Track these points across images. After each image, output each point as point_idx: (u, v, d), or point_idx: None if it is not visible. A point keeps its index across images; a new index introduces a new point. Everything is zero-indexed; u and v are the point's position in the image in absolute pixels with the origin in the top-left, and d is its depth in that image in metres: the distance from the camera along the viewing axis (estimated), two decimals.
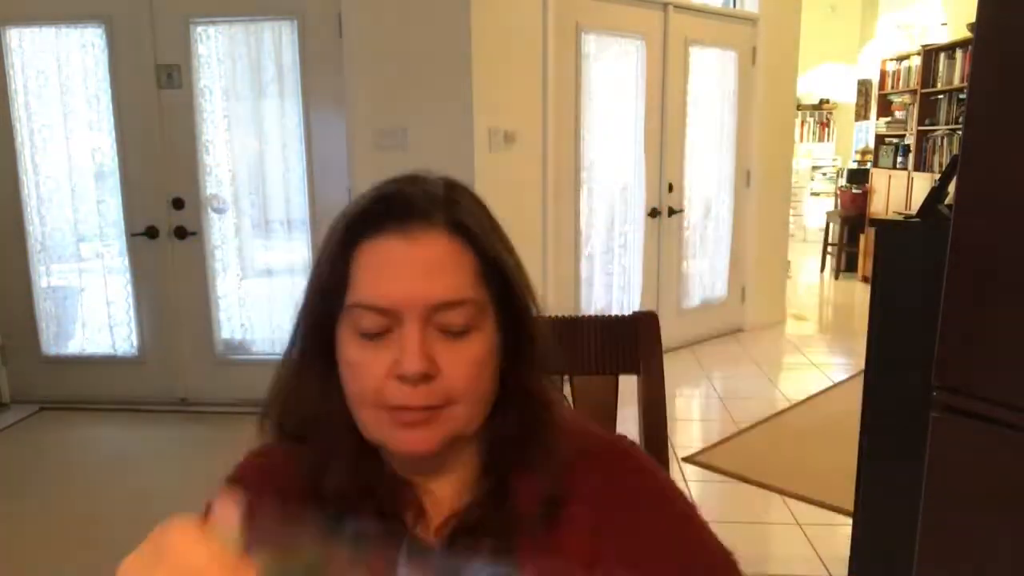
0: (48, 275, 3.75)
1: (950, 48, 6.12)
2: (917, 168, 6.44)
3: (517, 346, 0.67)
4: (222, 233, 3.67)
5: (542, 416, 0.69)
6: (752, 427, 3.48)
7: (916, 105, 6.54)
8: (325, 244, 0.67)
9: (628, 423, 1.00)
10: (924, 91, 6.44)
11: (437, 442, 0.64)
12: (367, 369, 0.62)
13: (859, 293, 6.61)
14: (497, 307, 0.66)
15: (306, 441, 0.68)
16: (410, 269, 0.62)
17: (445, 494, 0.70)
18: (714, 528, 0.71)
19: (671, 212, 4.63)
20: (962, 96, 5.81)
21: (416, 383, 0.61)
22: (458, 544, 0.66)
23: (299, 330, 0.68)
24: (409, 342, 0.61)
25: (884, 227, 2.04)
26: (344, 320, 0.64)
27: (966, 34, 5.56)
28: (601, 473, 0.70)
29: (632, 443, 0.75)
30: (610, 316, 1.06)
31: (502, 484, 0.68)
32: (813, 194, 9.29)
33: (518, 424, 0.68)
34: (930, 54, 6.36)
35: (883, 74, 7.22)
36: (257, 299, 3.74)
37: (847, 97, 8.87)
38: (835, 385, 4.08)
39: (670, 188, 4.61)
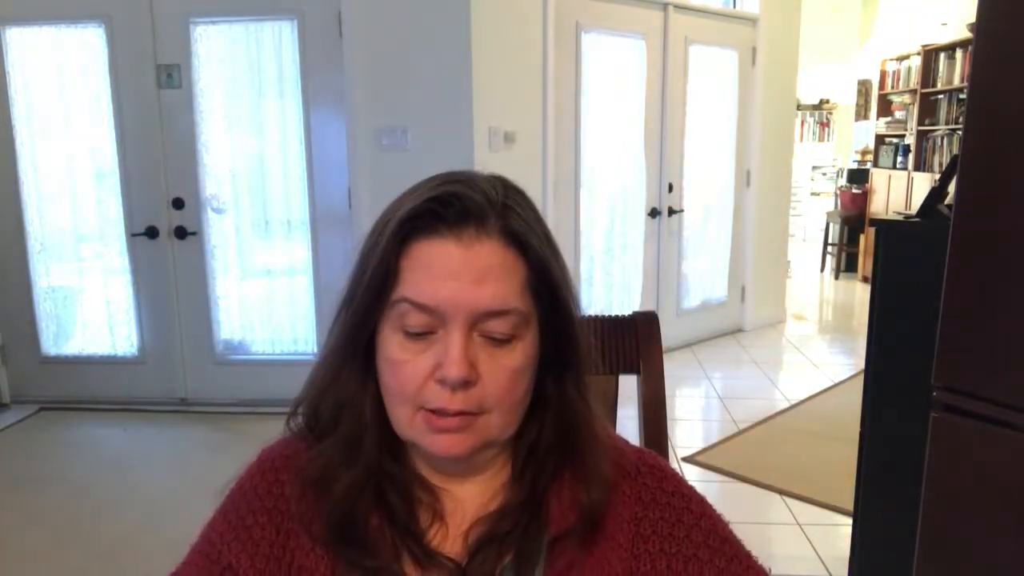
0: (48, 275, 3.75)
1: (950, 48, 6.12)
2: (917, 168, 6.44)
3: (558, 354, 0.67)
4: (222, 233, 3.67)
5: (581, 425, 0.68)
6: (752, 427, 3.48)
7: (916, 105, 6.54)
8: (373, 238, 0.65)
9: (628, 423, 0.99)
10: (924, 91, 6.44)
11: (470, 447, 0.63)
12: (409, 368, 0.62)
13: (859, 293, 6.61)
14: (541, 316, 0.65)
15: (332, 437, 0.67)
16: (461, 273, 0.61)
17: (470, 497, 0.69)
18: None
19: (671, 212, 4.63)
20: (962, 96, 5.82)
21: (456, 388, 0.61)
22: (483, 553, 0.65)
23: (340, 321, 0.67)
24: (453, 347, 0.61)
25: (884, 227, 2.03)
26: (388, 315, 0.63)
27: (966, 34, 5.56)
28: (641, 493, 0.69)
29: (663, 460, 0.75)
30: (610, 316, 1.06)
31: (535, 493, 0.67)
32: (813, 194, 9.29)
33: (555, 432, 0.67)
34: (930, 54, 6.36)
35: (883, 74, 7.22)
36: (257, 299, 3.74)
37: (847, 97, 8.87)
38: (835, 385, 4.08)
39: (670, 188, 4.60)
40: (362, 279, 0.64)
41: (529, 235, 0.63)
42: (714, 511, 0.72)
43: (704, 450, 3.22)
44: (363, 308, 0.64)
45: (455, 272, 0.61)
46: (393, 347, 0.63)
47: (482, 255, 0.61)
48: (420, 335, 0.62)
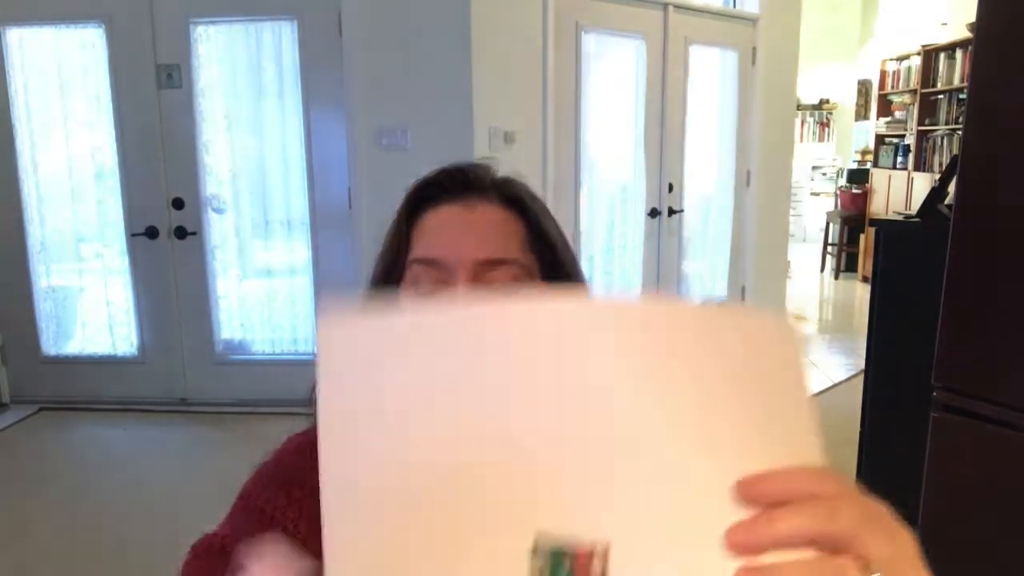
0: (48, 275, 3.75)
1: (950, 48, 6.12)
2: (917, 168, 6.44)
3: None
4: (222, 233, 3.67)
5: None
6: None
7: (916, 105, 6.54)
8: (393, 219, 0.72)
9: None
10: (924, 91, 6.44)
11: None
12: None
13: (859, 293, 6.61)
14: (543, 274, 0.70)
15: None
16: (463, 229, 0.67)
17: None
18: None
19: (671, 212, 4.63)
20: (962, 96, 5.82)
21: None
22: None
23: (365, 298, 0.72)
24: (458, 292, 0.64)
25: (884, 227, 2.03)
26: (405, 281, 0.68)
27: (966, 34, 5.55)
28: None
29: None
30: None
31: None
32: (813, 194, 9.29)
33: None
34: (930, 54, 6.36)
35: (883, 74, 7.22)
36: (257, 299, 3.74)
37: (847, 97, 8.87)
38: (835, 385, 4.08)
39: (670, 188, 4.60)
40: (381, 254, 0.71)
41: (527, 199, 0.71)
42: None
43: None
44: (382, 278, 0.70)
45: (458, 228, 0.67)
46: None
47: (483, 214, 0.68)
48: (430, 291, 0.66)
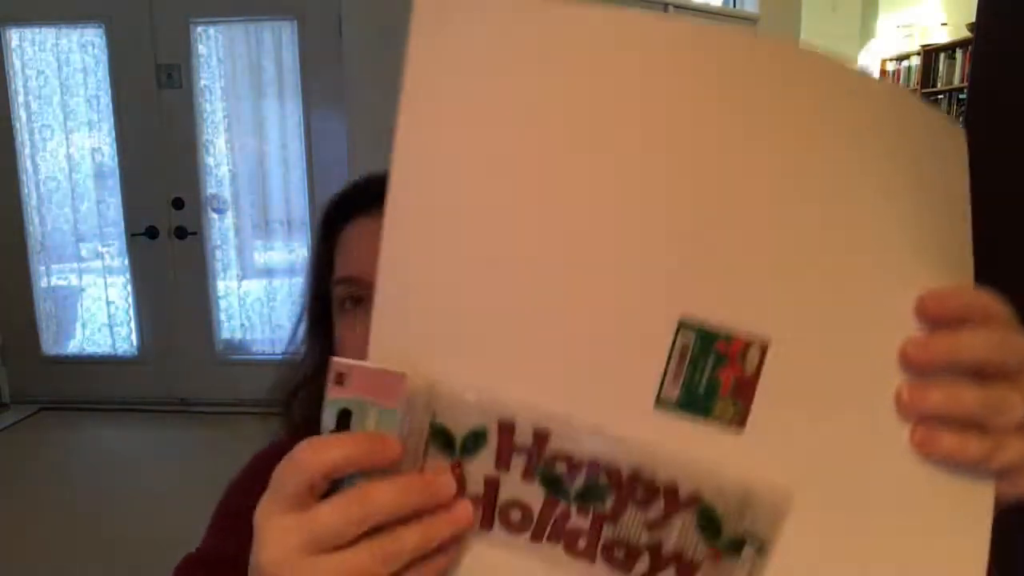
0: (48, 275, 3.75)
1: (950, 48, 6.12)
2: None
3: None
4: (222, 233, 3.67)
5: None
6: None
7: None
8: (312, 243, 0.71)
9: None
10: (924, 91, 6.43)
11: None
12: (347, 342, 0.63)
13: None
14: None
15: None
16: (374, 240, 0.63)
17: None
18: None
19: None
20: (962, 96, 5.82)
21: None
22: None
23: (299, 323, 0.71)
24: None
25: None
26: (334, 305, 0.66)
27: (966, 34, 5.56)
28: None
29: None
30: None
31: None
32: None
33: None
34: (930, 54, 6.36)
35: (883, 74, 7.21)
36: (257, 299, 3.74)
37: None
38: None
39: None
40: (307, 280, 0.70)
41: None
42: None
43: None
44: (313, 306, 0.69)
45: (370, 240, 0.63)
46: (337, 328, 0.65)
47: None
48: (353, 310, 0.63)
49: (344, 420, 0.36)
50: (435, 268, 0.37)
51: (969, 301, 0.36)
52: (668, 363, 0.35)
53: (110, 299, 3.75)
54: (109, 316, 3.77)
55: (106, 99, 3.53)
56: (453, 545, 0.37)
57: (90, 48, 3.51)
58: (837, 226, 0.35)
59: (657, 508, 0.37)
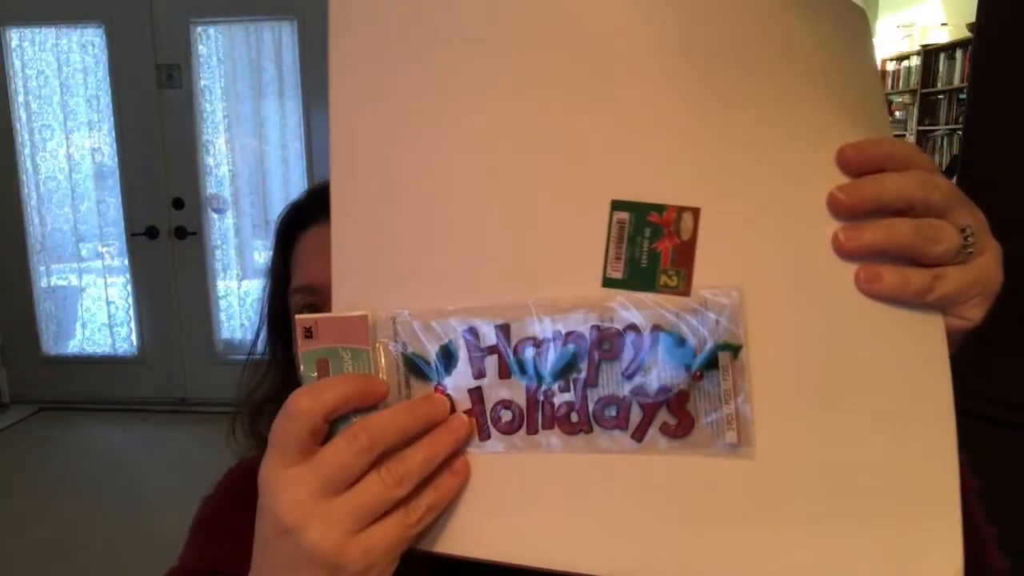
0: (48, 275, 3.75)
1: (950, 48, 6.12)
2: None
3: None
4: (222, 233, 3.67)
5: None
6: None
7: (916, 105, 6.54)
8: (269, 254, 0.70)
9: None
10: (924, 91, 6.44)
11: None
12: None
13: None
14: None
15: None
16: (327, 249, 0.63)
17: None
18: None
19: None
20: (962, 96, 5.81)
21: None
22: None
23: (259, 333, 0.72)
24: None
25: None
26: (291, 313, 0.66)
27: (966, 34, 5.55)
28: None
29: None
30: None
31: None
32: None
33: None
34: (930, 54, 6.36)
35: (883, 74, 7.22)
36: (257, 299, 3.74)
37: None
38: None
39: None
40: (267, 289, 0.69)
41: None
42: None
43: None
44: (273, 315, 0.68)
45: (322, 251, 0.63)
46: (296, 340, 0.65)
47: None
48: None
49: (323, 368, 0.39)
50: (381, 207, 0.40)
51: (888, 150, 0.37)
52: (608, 244, 0.37)
53: (110, 299, 3.76)
54: (109, 316, 3.77)
55: (106, 99, 3.53)
56: (461, 463, 0.39)
57: (90, 48, 3.51)
58: (748, 96, 0.37)
59: (628, 352, 0.38)
